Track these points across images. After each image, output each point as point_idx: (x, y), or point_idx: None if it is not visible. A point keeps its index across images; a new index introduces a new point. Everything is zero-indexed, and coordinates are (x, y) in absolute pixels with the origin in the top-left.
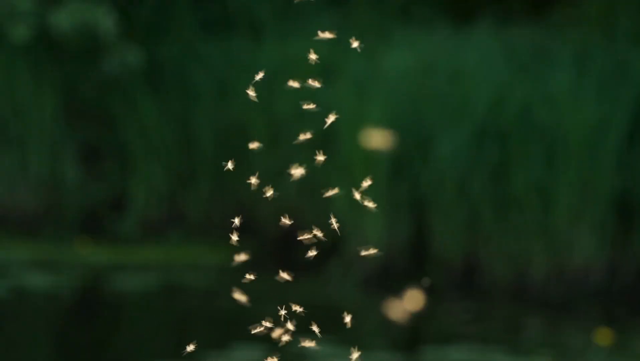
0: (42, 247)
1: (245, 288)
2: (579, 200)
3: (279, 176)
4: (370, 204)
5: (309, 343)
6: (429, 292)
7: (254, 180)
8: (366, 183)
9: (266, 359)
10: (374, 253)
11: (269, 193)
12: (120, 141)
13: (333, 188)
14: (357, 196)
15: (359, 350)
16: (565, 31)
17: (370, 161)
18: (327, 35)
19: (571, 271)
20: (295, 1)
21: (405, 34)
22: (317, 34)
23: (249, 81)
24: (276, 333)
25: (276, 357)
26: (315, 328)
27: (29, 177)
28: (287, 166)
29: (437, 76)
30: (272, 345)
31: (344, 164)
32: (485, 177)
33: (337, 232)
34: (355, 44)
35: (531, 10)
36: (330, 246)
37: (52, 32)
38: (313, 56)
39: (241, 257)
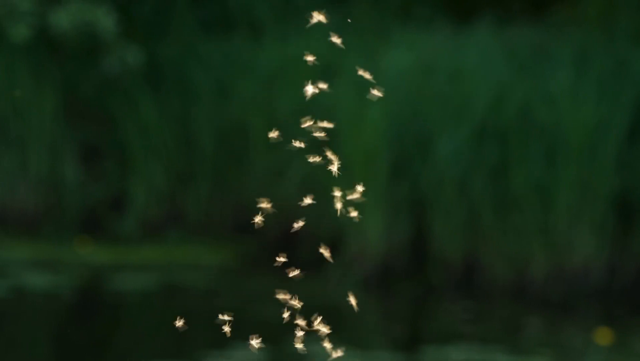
0: (42, 247)
1: (245, 289)
2: (579, 200)
3: (279, 176)
4: (354, 214)
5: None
6: (429, 292)
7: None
8: (356, 194)
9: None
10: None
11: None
12: (120, 141)
13: (333, 188)
14: (339, 205)
15: (358, 350)
16: (565, 31)
17: (370, 161)
18: (321, 18)
19: (571, 271)
20: None
21: (405, 34)
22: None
23: (249, 81)
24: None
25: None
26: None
27: (29, 177)
28: (287, 166)
29: (437, 76)
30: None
31: (344, 164)
32: (485, 177)
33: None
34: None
35: (531, 10)
36: (330, 246)
37: (52, 32)
38: (310, 58)
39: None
